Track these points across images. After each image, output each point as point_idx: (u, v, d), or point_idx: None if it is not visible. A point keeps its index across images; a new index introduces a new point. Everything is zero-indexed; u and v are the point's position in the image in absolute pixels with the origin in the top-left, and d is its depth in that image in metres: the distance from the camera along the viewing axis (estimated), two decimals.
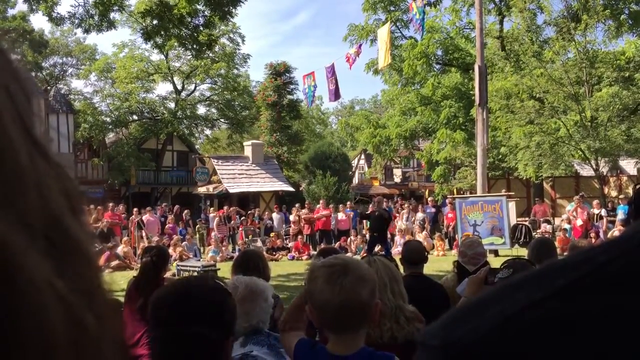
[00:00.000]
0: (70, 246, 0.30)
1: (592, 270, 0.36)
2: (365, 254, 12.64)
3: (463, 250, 4.52)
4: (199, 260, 14.73)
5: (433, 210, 21.12)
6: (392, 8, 27.96)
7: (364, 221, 18.86)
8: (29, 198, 0.28)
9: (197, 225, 20.60)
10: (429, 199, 23.63)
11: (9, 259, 0.25)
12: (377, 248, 14.58)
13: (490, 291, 0.40)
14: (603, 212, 17.88)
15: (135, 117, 35.92)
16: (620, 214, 16.89)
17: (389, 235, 19.06)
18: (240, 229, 19.68)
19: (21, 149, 0.29)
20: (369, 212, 15.99)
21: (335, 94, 20.29)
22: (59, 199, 0.30)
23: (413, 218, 19.88)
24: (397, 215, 20.45)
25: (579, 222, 17.43)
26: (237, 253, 12.95)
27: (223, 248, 17.22)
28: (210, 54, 32.05)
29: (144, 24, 14.93)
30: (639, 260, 0.35)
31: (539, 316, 0.35)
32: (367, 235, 17.23)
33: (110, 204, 19.26)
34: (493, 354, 0.35)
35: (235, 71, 39.54)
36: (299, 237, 18.87)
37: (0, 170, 0.27)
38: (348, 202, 21.98)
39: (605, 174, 22.75)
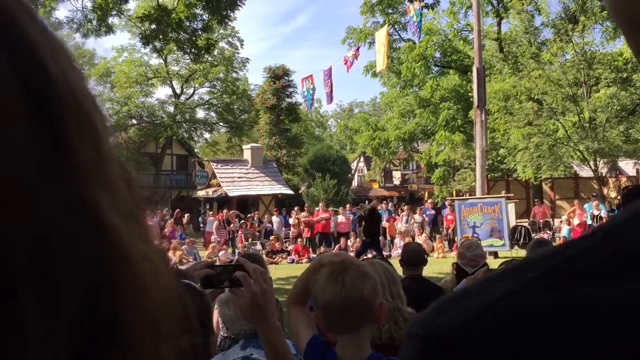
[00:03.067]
0: (143, 228, 0.38)
1: (558, 264, 0.39)
2: (363, 257, 12.65)
3: (462, 252, 4.54)
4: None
5: (432, 212, 21.14)
6: (390, 11, 28.05)
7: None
8: (119, 188, 0.36)
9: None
10: (429, 201, 23.65)
11: (123, 240, 0.34)
12: (370, 255, 14.56)
13: (473, 284, 0.42)
14: (603, 212, 17.91)
15: (134, 121, 35.98)
16: None
17: (388, 238, 19.15)
18: (240, 232, 19.69)
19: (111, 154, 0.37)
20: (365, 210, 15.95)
21: (330, 97, 20.62)
22: (129, 192, 0.38)
23: (412, 220, 19.89)
24: (397, 217, 20.47)
25: (576, 222, 17.49)
26: (237, 256, 12.96)
27: (220, 253, 17.18)
28: (209, 58, 32.08)
29: (142, 28, 14.95)
30: (601, 254, 0.38)
31: (510, 307, 0.38)
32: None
33: None
34: (469, 341, 0.38)
35: (234, 75, 39.61)
36: (299, 240, 18.88)
37: (101, 161, 0.34)
38: (347, 205, 22.01)
39: (604, 174, 22.80)
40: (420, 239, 17.40)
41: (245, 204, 25.72)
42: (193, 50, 15.16)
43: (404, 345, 0.42)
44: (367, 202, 16.84)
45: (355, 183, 40.07)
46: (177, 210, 21.95)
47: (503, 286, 0.39)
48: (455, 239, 16.98)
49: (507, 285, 0.39)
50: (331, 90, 20.29)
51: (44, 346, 0.30)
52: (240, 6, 13.81)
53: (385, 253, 16.76)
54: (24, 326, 0.29)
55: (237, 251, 17.54)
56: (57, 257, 0.31)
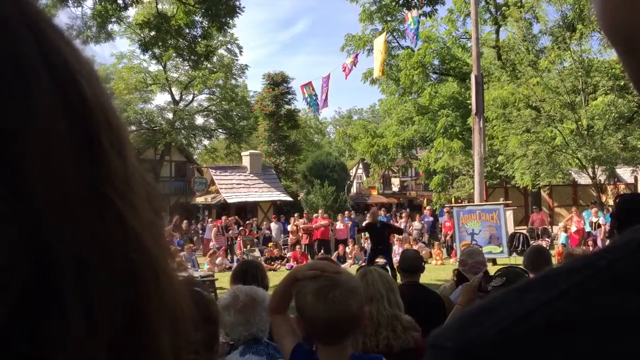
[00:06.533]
0: (161, 235, 0.41)
1: (593, 274, 0.38)
2: (363, 264, 12.62)
3: (463, 259, 4.56)
4: (197, 270, 14.72)
5: (431, 219, 21.15)
6: (388, 18, 28.15)
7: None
8: (141, 198, 0.39)
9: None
10: (427, 207, 23.66)
11: (147, 246, 0.38)
12: (379, 260, 14.47)
13: (500, 294, 0.42)
14: (601, 220, 17.92)
15: (133, 127, 35.97)
16: None
17: None
18: (238, 239, 19.67)
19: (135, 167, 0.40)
20: (368, 222, 15.80)
21: (324, 104, 20.78)
22: (149, 202, 0.41)
23: (411, 227, 19.90)
24: (395, 224, 20.48)
25: (574, 228, 17.51)
26: (235, 263, 12.96)
27: (217, 260, 17.16)
28: (208, 65, 32.17)
29: (142, 35, 15.01)
30: (636, 264, 0.37)
31: (544, 318, 0.37)
32: (365, 245, 17.22)
33: None
34: (503, 354, 0.37)
35: (233, 81, 39.68)
36: (297, 246, 18.87)
37: (127, 173, 0.38)
38: (346, 212, 22.02)
39: (602, 182, 22.83)
40: (416, 248, 17.36)
41: (244, 211, 25.71)
42: (192, 57, 15.22)
43: (430, 356, 0.41)
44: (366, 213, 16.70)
45: (354, 190, 40.06)
46: (176, 216, 21.93)
47: (535, 297, 0.38)
48: (454, 245, 16.99)
49: (539, 296, 0.38)
50: (326, 97, 20.43)
51: (87, 348, 0.33)
52: (240, 13, 13.87)
53: (383, 260, 16.71)
54: (70, 329, 0.32)
55: (235, 258, 17.53)
56: (97, 260, 0.34)
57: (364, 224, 15.69)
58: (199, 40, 14.71)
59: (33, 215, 0.32)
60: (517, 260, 14.49)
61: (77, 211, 0.33)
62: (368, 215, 15.55)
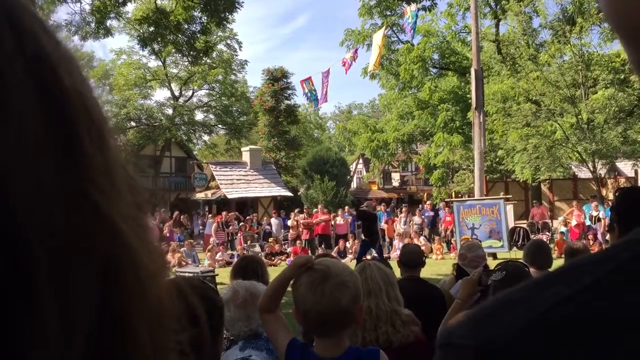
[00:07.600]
0: (143, 230, 0.40)
1: (618, 267, 0.37)
2: (364, 258, 12.64)
3: (463, 253, 4.55)
4: (198, 266, 14.74)
5: (431, 213, 21.16)
6: (388, 13, 28.08)
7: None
8: (123, 191, 0.38)
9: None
10: (427, 202, 23.67)
11: (127, 240, 0.37)
12: (369, 256, 14.58)
13: (517, 289, 0.40)
14: (602, 213, 17.92)
15: (133, 123, 35.96)
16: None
17: (387, 239, 19.16)
18: (239, 234, 19.68)
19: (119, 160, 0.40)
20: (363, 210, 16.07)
21: (324, 99, 20.81)
22: (131, 195, 0.40)
23: (411, 222, 19.91)
24: (396, 219, 20.49)
25: (574, 223, 17.53)
26: (235, 259, 12.98)
27: (217, 255, 17.17)
28: (208, 60, 32.12)
29: (141, 31, 14.97)
30: None
31: (569, 313, 0.36)
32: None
33: None
34: (527, 352, 0.36)
35: (233, 77, 39.64)
36: (298, 242, 18.89)
37: (108, 166, 0.37)
38: (346, 207, 22.03)
39: (602, 176, 22.82)
40: (418, 242, 17.39)
41: (244, 206, 25.72)
42: (191, 53, 15.18)
43: (444, 357, 0.39)
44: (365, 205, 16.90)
45: (354, 185, 40.07)
46: (176, 212, 21.93)
47: (556, 292, 0.37)
48: (452, 240, 16.99)
49: (561, 291, 0.37)
50: (326, 92, 20.45)
51: (64, 345, 0.32)
52: (239, 8, 13.83)
53: (384, 255, 16.78)
54: (45, 326, 0.31)
55: (236, 253, 17.54)
56: (73, 255, 0.33)
57: (360, 208, 15.90)
58: (198, 35, 14.67)
59: (7, 209, 0.31)
60: (518, 254, 14.49)
61: (53, 205, 0.33)
62: (364, 205, 15.85)
